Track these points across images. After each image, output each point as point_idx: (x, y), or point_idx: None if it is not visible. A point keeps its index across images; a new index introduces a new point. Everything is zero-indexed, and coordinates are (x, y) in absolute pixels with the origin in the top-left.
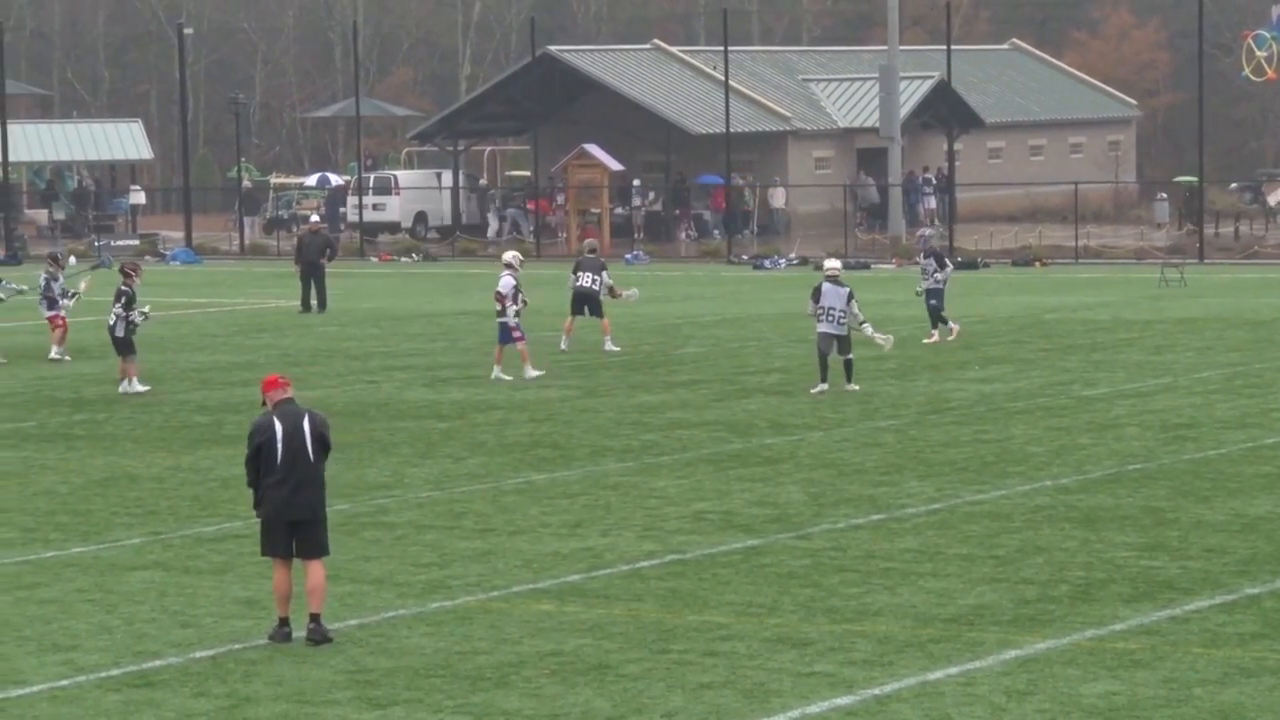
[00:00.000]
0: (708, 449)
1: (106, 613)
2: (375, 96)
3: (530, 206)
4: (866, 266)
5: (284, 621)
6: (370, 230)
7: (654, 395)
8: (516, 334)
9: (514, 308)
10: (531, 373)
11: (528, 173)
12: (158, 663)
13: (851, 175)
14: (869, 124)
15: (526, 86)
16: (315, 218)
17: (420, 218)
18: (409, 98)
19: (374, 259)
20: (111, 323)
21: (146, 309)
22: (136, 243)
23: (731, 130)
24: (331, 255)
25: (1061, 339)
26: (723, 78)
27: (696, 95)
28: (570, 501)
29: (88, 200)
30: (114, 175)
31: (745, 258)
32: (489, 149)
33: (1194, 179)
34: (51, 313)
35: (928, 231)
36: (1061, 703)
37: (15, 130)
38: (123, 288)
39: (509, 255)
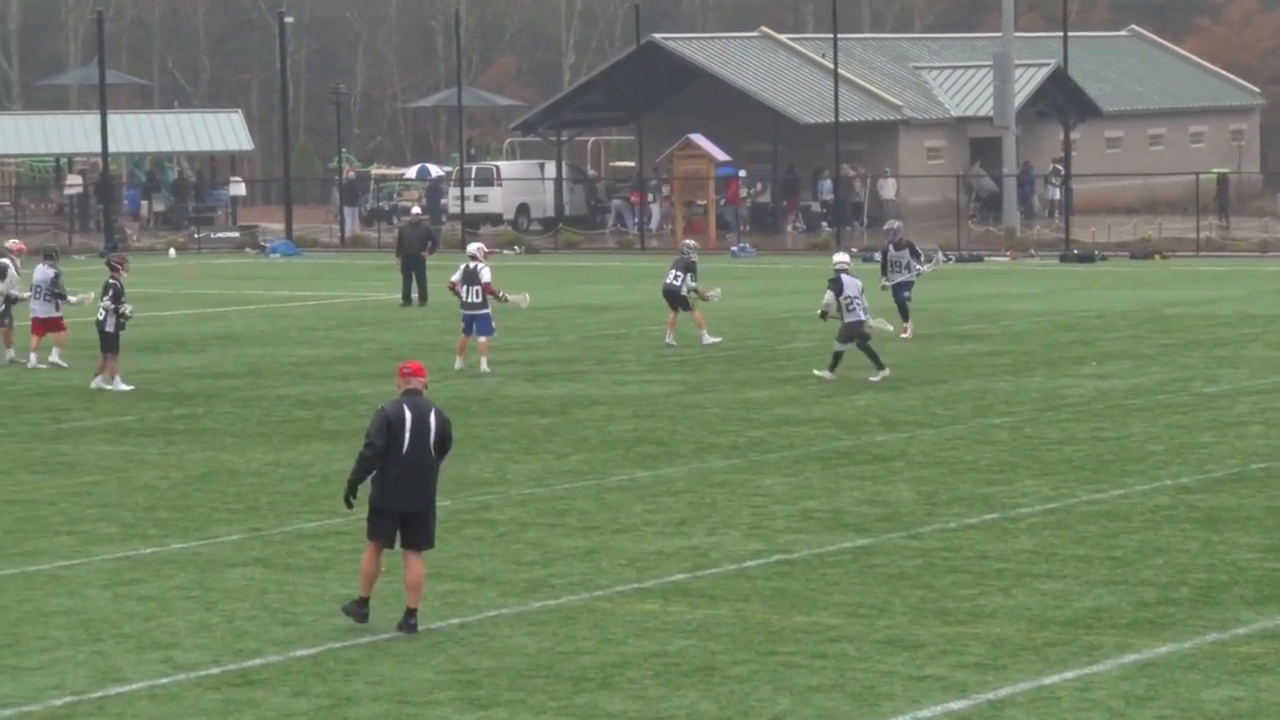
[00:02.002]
0: (816, 446)
1: (206, 610)
2: (477, 86)
3: (634, 199)
4: (980, 260)
5: (364, 601)
6: (472, 222)
7: (761, 391)
8: (492, 324)
9: (505, 298)
10: (485, 367)
11: (632, 164)
12: (257, 661)
13: (964, 166)
14: (983, 113)
15: (631, 75)
16: (416, 209)
17: (523, 209)
18: (512, 87)
19: None
20: (101, 317)
21: (129, 308)
22: (237, 235)
23: (841, 119)
24: (433, 248)
25: (1182, 334)
26: (832, 65)
27: (805, 84)
28: (675, 499)
29: (187, 192)
30: (214, 166)
31: (855, 250)
32: (593, 139)
33: None
34: (59, 313)
35: (895, 224)
36: (1182, 709)
37: (115, 121)
38: (110, 281)
39: (474, 247)
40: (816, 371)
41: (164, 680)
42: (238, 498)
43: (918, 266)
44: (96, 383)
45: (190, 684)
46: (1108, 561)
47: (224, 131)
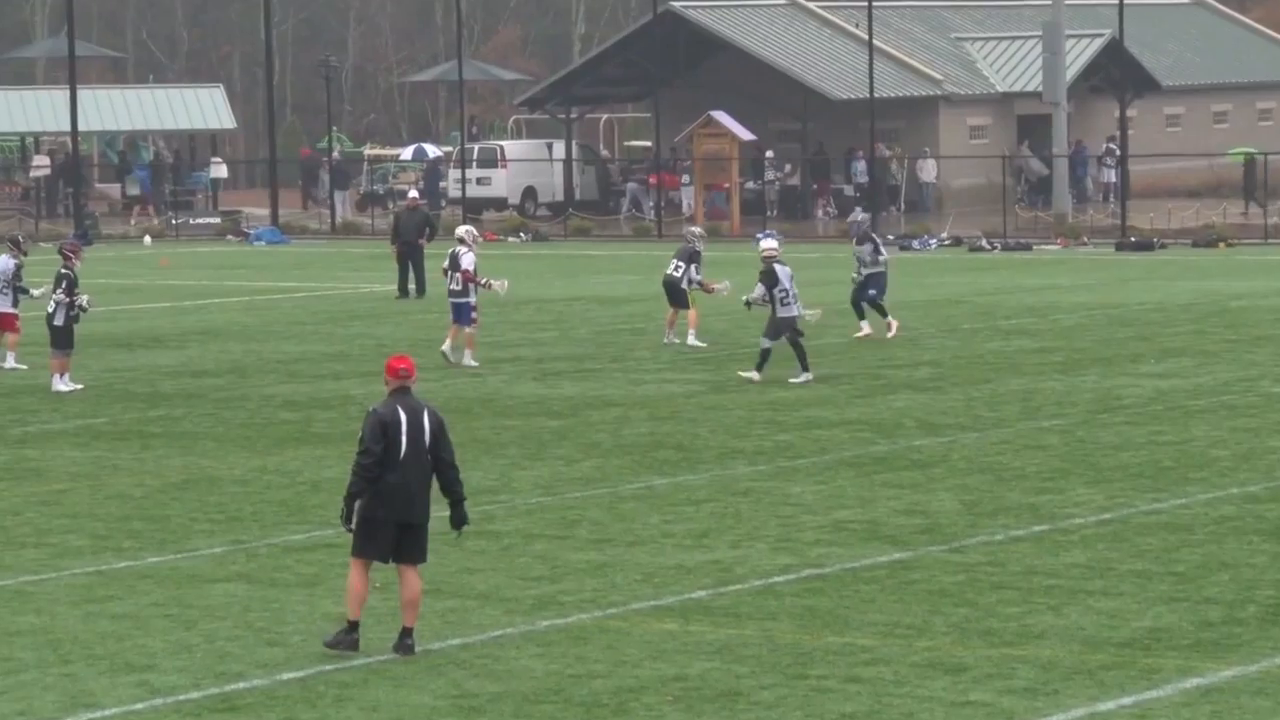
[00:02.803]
0: (849, 451)
1: (185, 629)
2: (479, 59)
3: (652, 181)
4: (1028, 248)
5: (354, 626)
6: (474, 207)
7: (789, 391)
8: (474, 314)
9: (486, 284)
10: (470, 360)
11: (648, 143)
12: (241, 685)
13: (1011, 145)
14: (1031, 88)
15: (647, 47)
16: (413, 193)
17: (529, 193)
18: (517, 60)
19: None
20: (50, 309)
21: (85, 299)
22: (217, 221)
23: (876, 95)
24: (431, 235)
25: (1249, 329)
26: (866, 36)
27: (837, 56)
28: (696, 509)
29: (164, 174)
30: (193, 146)
31: (891, 238)
32: (605, 117)
33: None
34: (14, 310)
35: (860, 216)
36: None
37: (85, 96)
38: (62, 271)
39: (463, 230)
40: (742, 373)
41: (139, 705)
42: (219, 507)
43: (880, 258)
44: (56, 385)
45: (168, 709)
46: (1168, 577)
47: (204, 108)
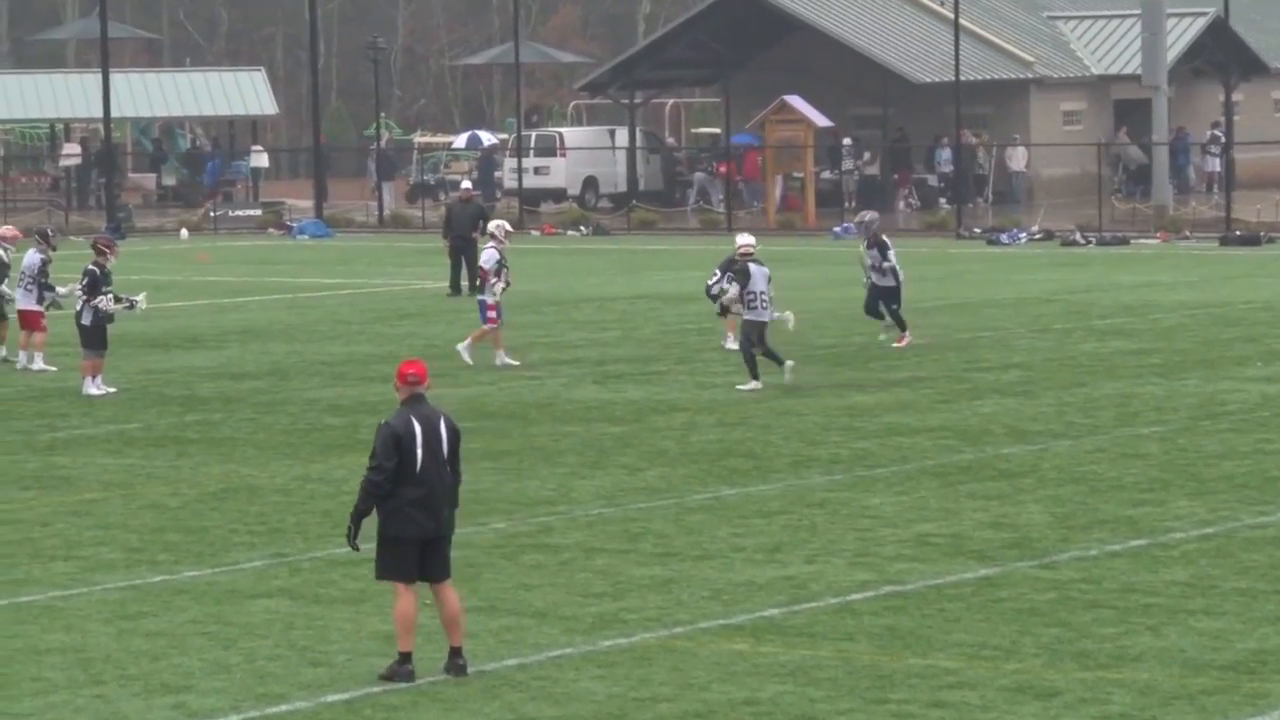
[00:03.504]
0: (932, 460)
1: (224, 648)
2: (537, 40)
3: (720, 170)
4: (1125, 242)
5: (407, 657)
6: (531, 198)
7: (868, 395)
8: (491, 314)
9: (498, 284)
10: (511, 359)
11: (717, 130)
12: (283, 707)
13: (1107, 132)
14: (1129, 70)
15: (717, 27)
16: (466, 184)
17: (589, 183)
18: (577, 41)
19: (535, 232)
20: (78, 308)
21: (140, 299)
22: (258, 213)
23: (962, 78)
24: (485, 228)
25: None
26: (952, 15)
27: (920, 36)
28: (767, 521)
29: (202, 163)
30: (232, 134)
31: (978, 231)
32: (671, 102)
33: None
34: (38, 307)
35: (868, 216)
36: None
37: (119, 81)
38: (90, 266)
39: (493, 225)
40: (740, 386)
41: None
42: (260, 518)
43: (884, 264)
44: (86, 388)
45: None
46: (1275, 596)
47: (244, 93)
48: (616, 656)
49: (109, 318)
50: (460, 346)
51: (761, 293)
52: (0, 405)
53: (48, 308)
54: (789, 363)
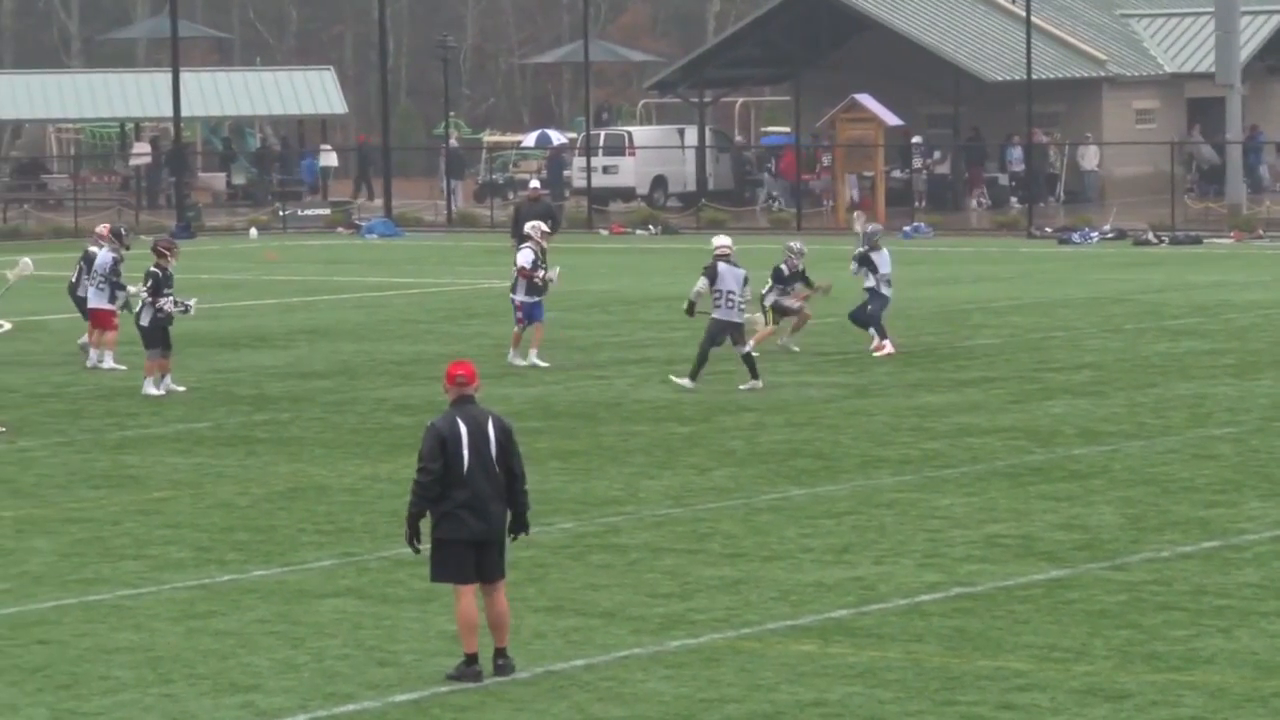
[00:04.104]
0: (1002, 460)
1: (292, 647)
2: (607, 38)
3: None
4: (1198, 242)
5: (474, 658)
6: (600, 197)
7: (938, 395)
8: (518, 314)
9: (550, 273)
10: (522, 360)
11: (787, 129)
12: (351, 706)
13: (1180, 131)
14: (1202, 68)
15: (787, 25)
16: (535, 183)
17: (659, 183)
18: (647, 40)
19: (604, 231)
20: (137, 309)
21: (192, 302)
22: (326, 212)
23: (1034, 77)
24: (554, 227)
25: None
26: (1024, 13)
27: (991, 34)
28: (836, 522)
29: (271, 162)
30: (302, 132)
31: (1050, 230)
32: (741, 100)
33: None
34: (110, 305)
35: (871, 227)
36: None
37: (189, 80)
38: (152, 269)
39: (528, 226)
40: (675, 378)
41: None
42: (328, 518)
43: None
44: (146, 388)
45: None
46: None
47: (314, 92)
48: (684, 657)
49: (169, 319)
50: (530, 357)
51: (730, 293)
52: (70, 404)
53: (121, 307)
54: (757, 384)
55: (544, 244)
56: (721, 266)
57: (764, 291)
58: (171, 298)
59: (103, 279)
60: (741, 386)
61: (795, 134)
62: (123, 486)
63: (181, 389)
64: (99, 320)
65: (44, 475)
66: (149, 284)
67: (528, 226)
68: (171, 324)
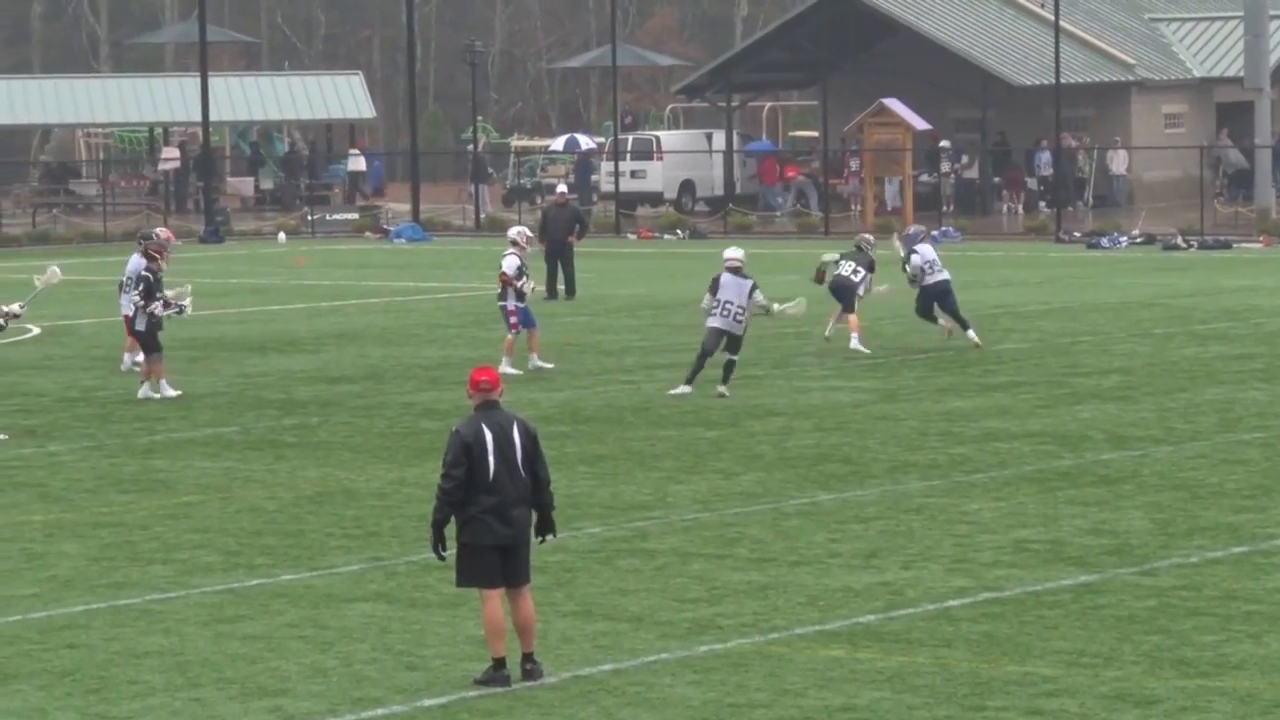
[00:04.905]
0: (1031, 465)
1: (320, 652)
2: (634, 43)
3: (790, 174)
4: (1228, 246)
5: (501, 663)
6: (628, 202)
7: (966, 400)
8: (513, 319)
9: (526, 285)
10: (515, 369)
11: (815, 133)
12: (379, 711)
13: (1209, 135)
14: (1231, 73)
15: (815, 29)
16: (563, 188)
17: (686, 187)
18: (674, 44)
19: (632, 236)
20: (130, 313)
21: (186, 303)
22: (355, 217)
23: (1063, 81)
24: (581, 232)
25: None
26: (1052, 17)
27: (1020, 39)
28: (864, 527)
29: (300, 167)
30: (330, 137)
31: (1078, 235)
32: (769, 105)
33: None
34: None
35: (913, 229)
36: None
37: (217, 84)
38: (143, 272)
39: (514, 231)
40: (671, 391)
41: None
42: (356, 522)
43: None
44: (143, 392)
45: None
46: None
47: (342, 97)
48: (712, 662)
49: (160, 323)
50: (534, 361)
51: (727, 302)
52: (100, 409)
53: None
54: (723, 390)
55: (528, 249)
56: (725, 277)
57: (856, 278)
58: (162, 300)
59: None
60: (672, 391)
61: (823, 138)
62: (152, 491)
63: (176, 393)
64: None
65: (73, 479)
66: (140, 288)
67: (513, 232)
68: (161, 328)
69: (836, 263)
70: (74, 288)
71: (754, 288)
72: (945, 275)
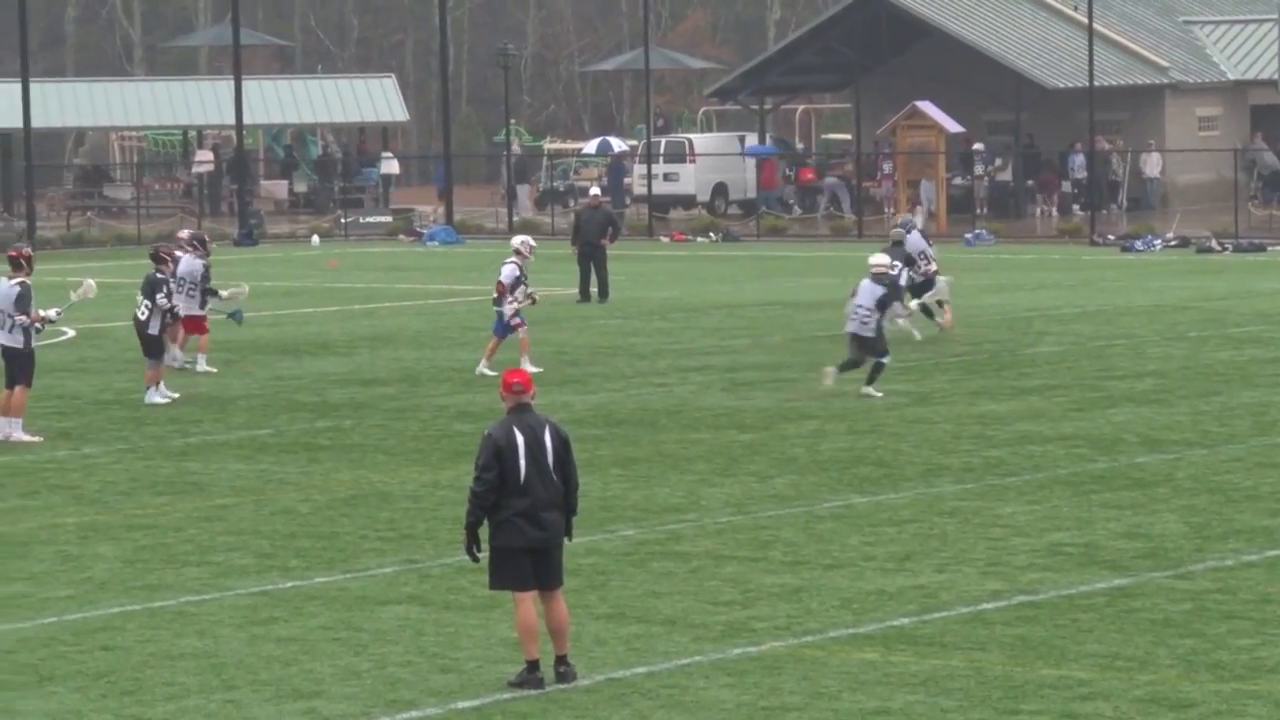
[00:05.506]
0: (1065, 468)
1: (354, 654)
2: (667, 46)
3: (805, 177)
4: (1262, 249)
5: (535, 665)
6: (660, 205)
7: (1000, 403)
8: (515, 320)
9: (512, 302)
10: (530, 367)
11: (848, 136)
12: (413, 713)
13: (1244, 138)
14: (1266, 75)
15: (848, 32)
16: (596, 190)
17: (719, 190)
18: (706, 47)
19: (665, 239)
20: (144, 317)
21: (145, 308)
22: (388, 220)
23: (1096, 84)
24: (614, 235)
25: None
26: (1086, 19)
27: (1053, 41)
28: (898, 530)
29: (333, 170)
30: (363, 140)
31: (1112, 238)
32: (802, 107)
33: None
34: (201, 312)
35: (902, 219)
36: None
37: (251, 88)
38: (157, 275)
39: (518, 240)
40: (866, 390)
41: None
42: (390, 524)
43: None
44: (151, 397)
45: None
46: None
47: (375, 100)
48: (746, 665)
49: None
50: (480, 368)
51: (858, 306)
52: (134, 411)
53: (210, 311)
54: (868, 390)
55: (530, 258)
56: (863, 283)
57: (895, 274)
58: (215, 294)
59: (194, 286)
60: (863, 390)
61: (856, 141)
62: (186, 493)
63: (175, 395)
64: (190, 326)
65: (108, 482)
66: (163, 291)
67: (516, 240)
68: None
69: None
70: (108, 291)
71: (886, 295)
72: (935, 267)
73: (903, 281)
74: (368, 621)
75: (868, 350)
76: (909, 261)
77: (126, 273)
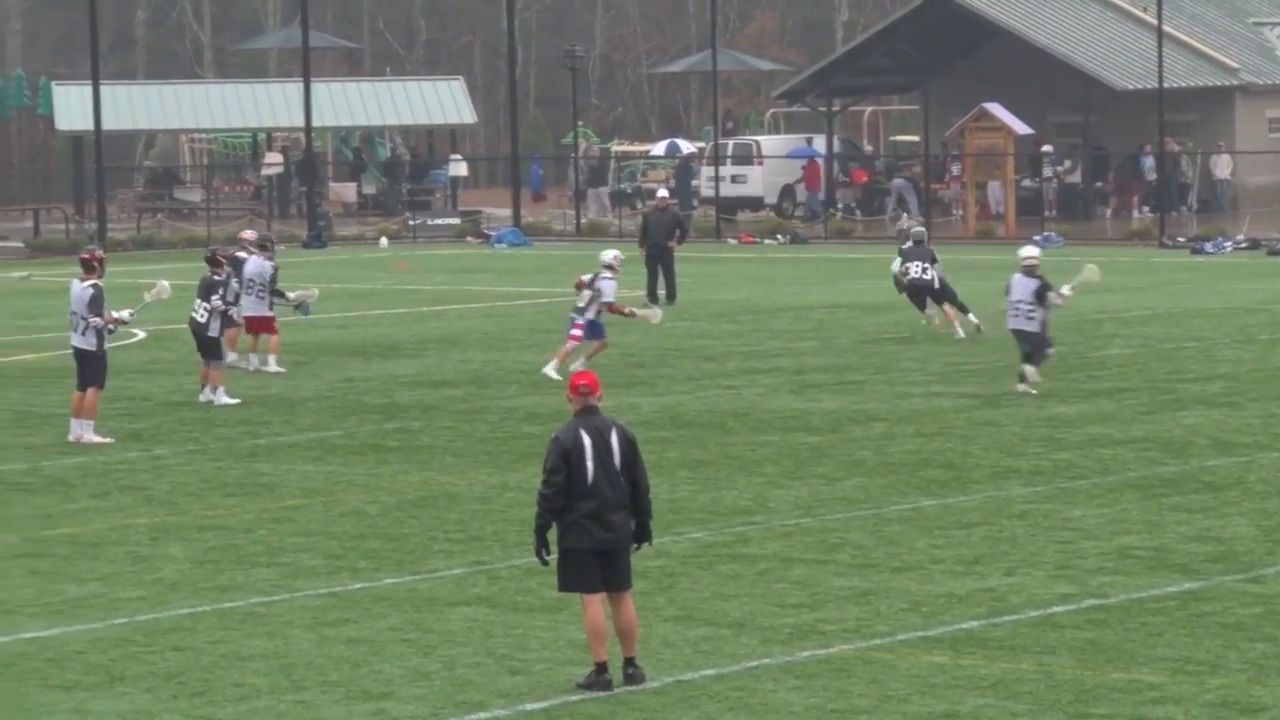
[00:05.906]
0: (1135, 472)
1: (423, 655)
2: (735, 48)
3: (858, 178)
4: None
5: (603, 667)
6: (728, 207)
7: (1069, 406)
8: (576, 331)
9: (593, 306)
10: (553, 373)
11: (916, 138)
12: (482, 715)
13: None
14: None
15: (916, 34)
16: (663, 192)
17: (787, 192)
18: (774, 49)
19: (732, 241)
20: (203, 319)
21: (201, 308)
22: (456, 222)
23: (1166, 85)
24: (682, 236)
25: None
26: (1155, 21)
27: (1122, 43)
28: (967, 533)
29: (401, 172)
30: (431, 142)
31: (1182, 240)
32: (870, 109)
33: None
34: (269, 313)
35: (907, 224)
36: None
37: (320, 90)
38: (214, 277)
39: (610, 255)
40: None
41: None
42: (459, 526)
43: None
44: (205, 395)
45: None
46: None
47: (443, 102)
48: (814, 668)
49: (219, 328)
50: (549, 367)
51: (1017, 301)
52: (205, 413)
53: (300, 312)
54: (1028, 388)
55: (620, 270)
56: (1016, 278)
57: (927, 276)
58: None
59: (263, 288)
60: (1018, 386)
61: (924, 143)
62: (255, 494)
63: (238, 399)
64: (258, 327)
65: (178, 483)
66: (219, 293)
67: (608, 256)
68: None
69: (905, 271)
70: (179, 292)
71: (1042, 286)
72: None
73: (935, 284)
74: (436, 623)
75: (1033, 344)
76: (933, 259)
77: (196, 275)
